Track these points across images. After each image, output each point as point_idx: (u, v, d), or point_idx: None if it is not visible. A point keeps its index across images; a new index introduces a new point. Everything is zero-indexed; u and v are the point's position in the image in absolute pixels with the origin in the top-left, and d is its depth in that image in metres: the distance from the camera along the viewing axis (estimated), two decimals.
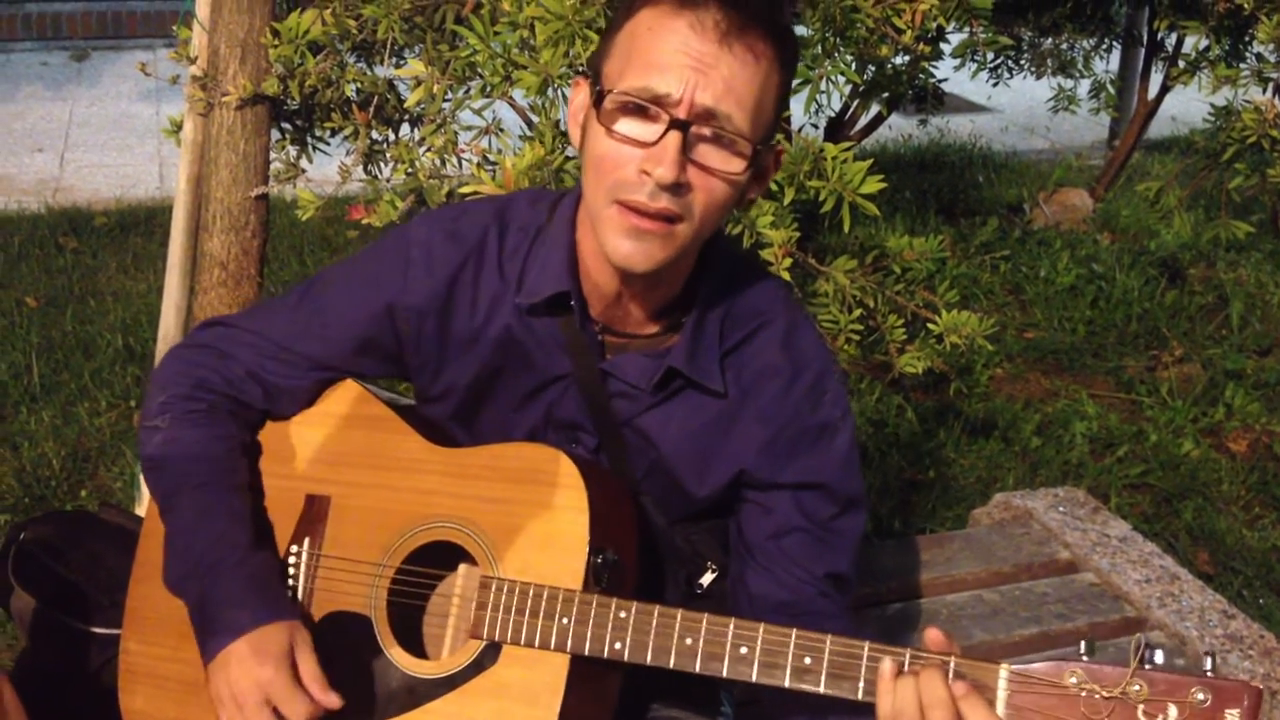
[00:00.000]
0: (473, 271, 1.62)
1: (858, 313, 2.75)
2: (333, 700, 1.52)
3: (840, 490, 1.62)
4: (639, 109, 1.41)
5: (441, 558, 1.61)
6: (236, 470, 1.67)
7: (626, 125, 1.42)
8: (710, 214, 1.46)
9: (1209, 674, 1.27)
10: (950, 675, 1.34)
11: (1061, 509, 2.83)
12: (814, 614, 1.59)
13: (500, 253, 1.62)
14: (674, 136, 1.39)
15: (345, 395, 1.71)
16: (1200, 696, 1.26)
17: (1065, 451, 3.97)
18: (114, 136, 6.63)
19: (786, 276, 2.51)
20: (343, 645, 1.60)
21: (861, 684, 1.38)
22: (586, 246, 1.56)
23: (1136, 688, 1.27)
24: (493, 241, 1.62)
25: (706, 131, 1.41)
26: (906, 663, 1.36)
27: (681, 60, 1.39)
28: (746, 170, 1.44)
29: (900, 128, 6.70)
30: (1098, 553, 2.66)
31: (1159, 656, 1.28)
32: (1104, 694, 1.28)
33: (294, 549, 1.67)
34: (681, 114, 1.39)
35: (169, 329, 2.92)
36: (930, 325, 2.77)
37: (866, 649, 1.38)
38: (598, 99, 1.44)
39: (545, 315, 1.59)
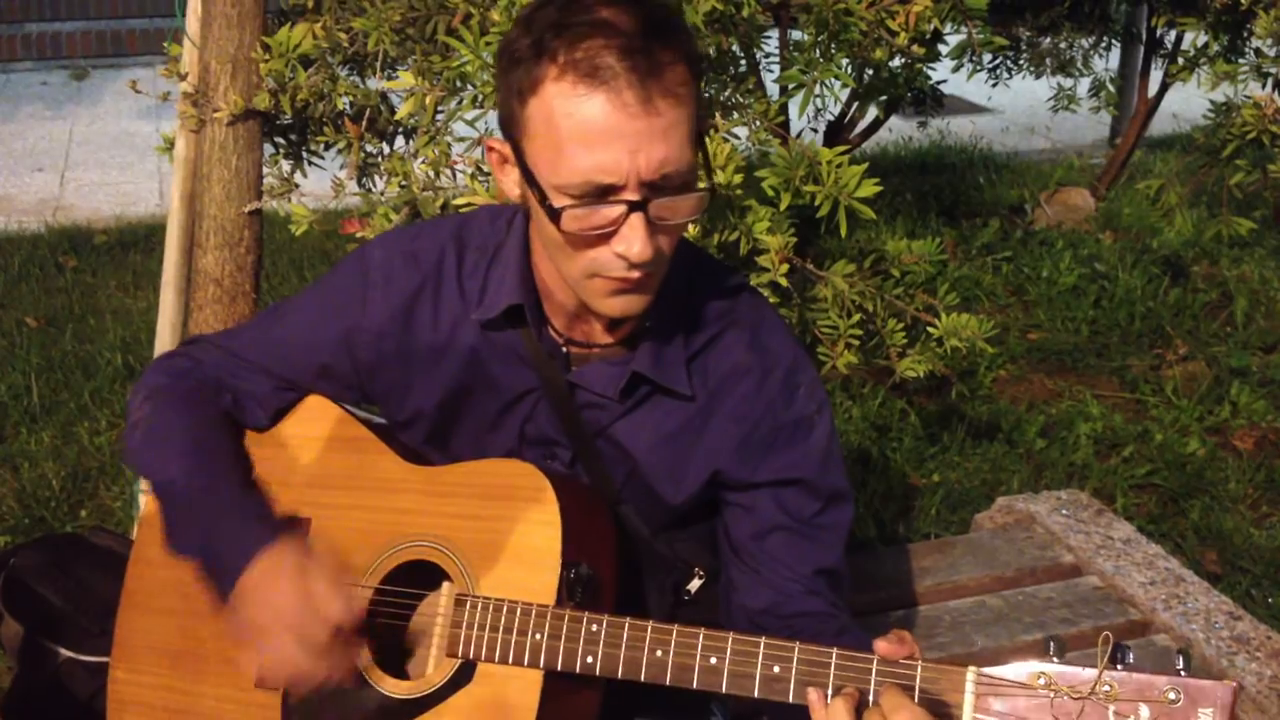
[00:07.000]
0: (431, 293, 1.61)
1: (857, 317, 2.73)
2: (349, 616, 1.44)
3: (821, 485, 1.60)
4: (590, 206, 1.36)
5: (422, 577, 1.59)
6: (222, 433, 1.66)
7: (583, 222, 1.37)
8: (677, 241, 1.45)
9: (1181, 673, 1.25)
10: (915, 696, 1.32)
11: (1065, 512, 2.81)
12: (804, 614, 1.57)
13: (459, 272, 1.61)
14: (637, 218, 1.36)
15: (324, 417, 1.71)
16: (1172, 696, 1.24)
17: (1070, 453, 3.94)
18: (114, 155, 6.64)
19: (784, 283, 2.49)
20: None
21: (830, 691, 1.36)
22: (545, 268, 1.54)
23: (1107, 688, 1.25)
24: (450, 261, 1.61)
25: (664, 195, 1.37)
26: (874, 670, 1.35)
27: (616, 148, 1.32)
28: (705, 193, 1.40)
29: (900, 130, 6.68)
30: (1102, 556, 2.64)
31: (1130, 656, 1.26)
32: (1074, 695, 1.26)
33: None
34: (635, 197, 1.35)
35: (165, 347, 2.91)
36: (930, 329, 2.75)
37: (835, 656, 1.37)
38: (549, 211, 1.38)
39: (505, 329, 1.58)
